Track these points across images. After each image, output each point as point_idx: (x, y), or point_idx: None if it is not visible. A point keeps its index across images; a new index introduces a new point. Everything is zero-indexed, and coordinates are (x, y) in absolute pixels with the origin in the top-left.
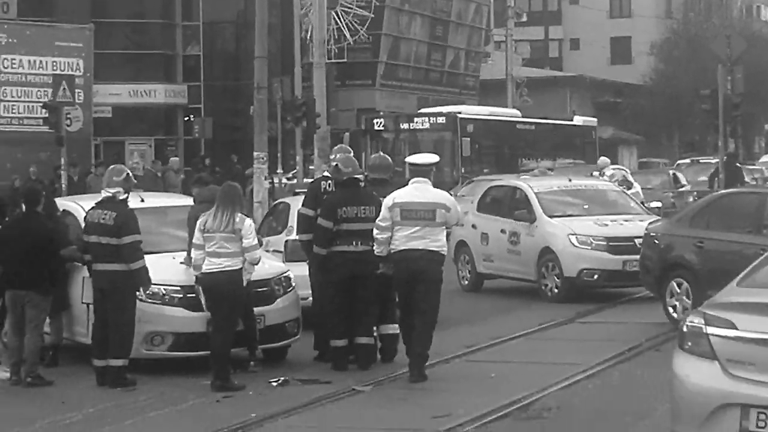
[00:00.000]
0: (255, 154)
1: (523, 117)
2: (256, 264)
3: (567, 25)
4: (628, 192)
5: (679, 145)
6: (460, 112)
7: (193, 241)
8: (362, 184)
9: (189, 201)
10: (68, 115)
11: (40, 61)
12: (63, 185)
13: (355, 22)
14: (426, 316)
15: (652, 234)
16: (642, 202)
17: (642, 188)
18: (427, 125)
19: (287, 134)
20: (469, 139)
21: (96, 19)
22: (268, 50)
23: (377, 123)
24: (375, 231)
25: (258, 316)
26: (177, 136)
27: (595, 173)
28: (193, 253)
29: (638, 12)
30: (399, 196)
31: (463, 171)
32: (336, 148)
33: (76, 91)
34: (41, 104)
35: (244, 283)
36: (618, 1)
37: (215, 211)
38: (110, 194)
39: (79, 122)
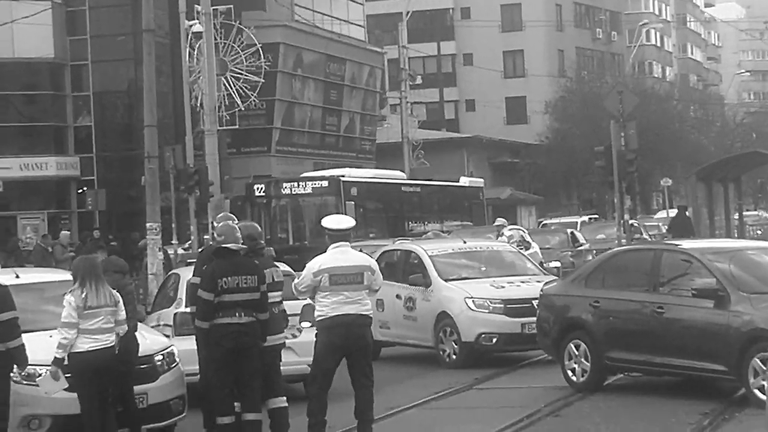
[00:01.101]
0: (147, 224)
1: (408, 179)
2: None
3: (462, 87)
4: (527, 252)
5: (578, 203)
6: (343, 176)
7: (65, 320)
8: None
9: (67, 276)
10: None
11: None
12: None
13: (246, 87)
14: (369, 380)
15: (547, 295)
16: (541, 263)
17: (540, 248)
18: (309, 189)
19: (182, 204)
20: (353, 202)
21: None
22: (161, 119)
23: (258, 189)
24: (294, 292)
25: (140, 394)
26: (70, 209)
27: (492, 234)
28: (63, 332)
29: (532, 71)
30: (325, 261)
31: None
32: (219, 216)
33: None
34: None
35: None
36: (512, 61)
37: (92, 286)
38: None
39: None
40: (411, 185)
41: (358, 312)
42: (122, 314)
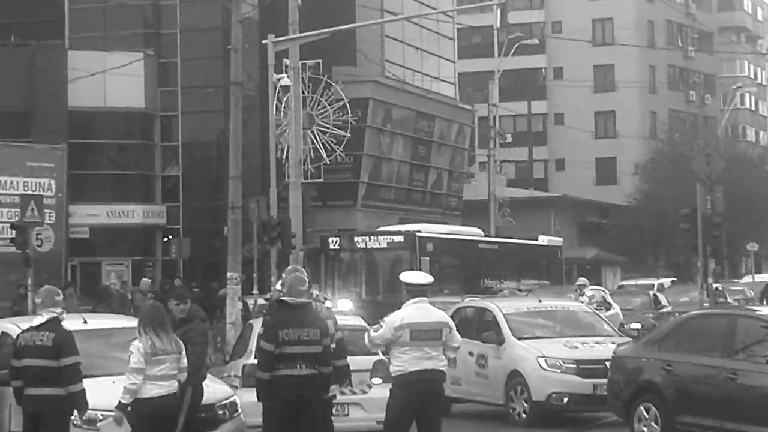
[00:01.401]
0: (228, 274)
1: (486, 236)
2: None
3: (552, 146)
4: (607, 313)
5: (664, 266)
6: (419, 231)
7: (134, 365)
8: (314, 305)
9: (135, 323)
10: (39, 236)
11: (11, 182)
12: (29, 306)
13: (332, 141)
14: None
15: (619, 357)
16: (622, 324)
17: (622, 309)
18: (384, 244)
19: (265, 255)
20: (428, 258)
21: (74, 140)
22: (248, 170)
23: (332, 242)
24: (369, 345)
25: None
26: (155, 257)
27: (573, 294)
28: (132, 377)
29: (623, 132)
30: (406, 316)
31: None
32: (288, 268)
33: (47, 211)
34: (9, 224)
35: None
36: (603, 121)
37: (158, 333)
38: (55, 314)
39: (50, 243)
40: (488, 242)
41: (436, 367)
42: (185, 362)
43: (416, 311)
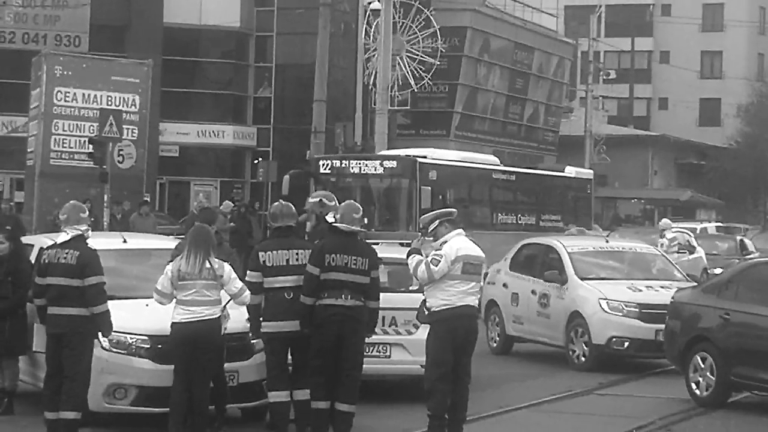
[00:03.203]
0: (308, 199)
1: (503, 165)
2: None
3: (656, 84)
4: (690, 257)
5: (764, 211)
6: (425, 156)
7: (156, 286)
8: (359, 233)
9: (175, 243)
10: (120, 152)
11: (95, 96)
12: (105, 223)
13: (421, 69)
14: (469, 376)
15: (677, 303)
16: (705, 268)
17: (707, 254)
18: (380, 170)
19: None
20: (430, 188)
21: (168, 56)
22: (341, 95)
23: (324, 165)
24: (425, 280)
25: (231, 372)
26: (244, 179)
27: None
28: (157, 299)
29: (729, 73)
30: (461, 248)
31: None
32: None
33: (129, 127)
34: (88, 139)
35: (222, 332)
36: (710, 61)
37: (191, 256)
38: (79, 232)
39: (132, 159)
40: (503, 172)
41: (475, 304)
42: (236, 287)
43: (466, 243)
